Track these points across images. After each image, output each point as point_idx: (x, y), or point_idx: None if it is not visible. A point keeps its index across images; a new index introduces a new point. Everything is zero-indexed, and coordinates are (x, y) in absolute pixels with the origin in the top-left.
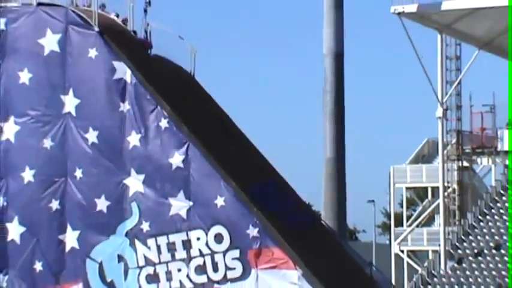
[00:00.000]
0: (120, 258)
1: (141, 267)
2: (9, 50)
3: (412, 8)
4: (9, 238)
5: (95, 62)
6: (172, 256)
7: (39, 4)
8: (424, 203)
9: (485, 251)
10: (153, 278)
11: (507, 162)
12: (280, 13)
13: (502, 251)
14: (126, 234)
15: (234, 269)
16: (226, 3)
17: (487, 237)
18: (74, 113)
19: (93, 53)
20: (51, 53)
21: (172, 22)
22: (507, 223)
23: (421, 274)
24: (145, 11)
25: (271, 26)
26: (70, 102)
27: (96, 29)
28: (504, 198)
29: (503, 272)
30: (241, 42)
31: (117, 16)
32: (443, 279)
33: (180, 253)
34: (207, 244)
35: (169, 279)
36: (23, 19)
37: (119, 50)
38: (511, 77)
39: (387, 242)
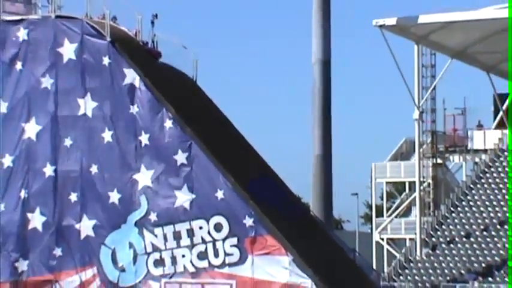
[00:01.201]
0: (131, 245)
1: (148, 253)
2: (31, 58)
3: (392, 21)
4: (30, 226)
5: (108, 68)
6: (177, 243)
7: (57, 17)
8: (402, 196)
9: (457, 239)
10: (159, 263)
11: (476, 159)
12: (276, 26)
13: (472, 239)
14: (136, 224)
15: (232, 254)
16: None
17: (458, 226)
18: (90, 115)
19: (106, 60)
20: (69, 61)
21: (177, 33)
22: (476, 214)
23: (399, 260)
24: (152, 23)
25: (267, 36)
26: (87, 105)
27: (109, 39)
28: (473, 191)
29: (473, 258)
30: (239, 51)
31: (136, 36)
32: (419, 264)
33: (184, 240)
34: (208, 232)
35: (174, 263)
36: (43, 30)
37: (129, 58)
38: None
39: (369, 230)
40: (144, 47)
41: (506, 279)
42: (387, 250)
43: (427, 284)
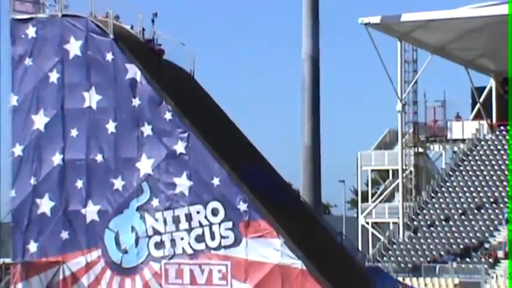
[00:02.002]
0: (133, 228)
1: (149, 236)
2: (39, 54)
3: (376, 19)
4: (39, 211)
5: (112, 64)
6: (176, 227)
7: (64, 15)
8: (386, 182)
9: (437, 223)
10: (160, 245)
11: (455, 148)
12: (269, 25)
13: (451, 223)
14: (138, 209)
15: (228, 237)
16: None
17: (438, 211)
18: (94, 107)
19: (109, 56)
20: (75, 57)
21: (176, 30)
22: (455, 199)
23: (383, 242)
24: (152, 21)
25: (260, 33)
26: (92, 98)
27: (112, 36)
28: (452, 178)
29: (452, 240)
30: (234, 48)
31: (132, 28)
32: (401, 246)
33: (183, 224)
34: (205, 217)
35: (173, 246)
36: (50, 28)
37: (130, 54)
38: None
39: (355, 215)
40: (149, 45)
41: (483, 259)
42: (372, 233)
43: (409, 265)
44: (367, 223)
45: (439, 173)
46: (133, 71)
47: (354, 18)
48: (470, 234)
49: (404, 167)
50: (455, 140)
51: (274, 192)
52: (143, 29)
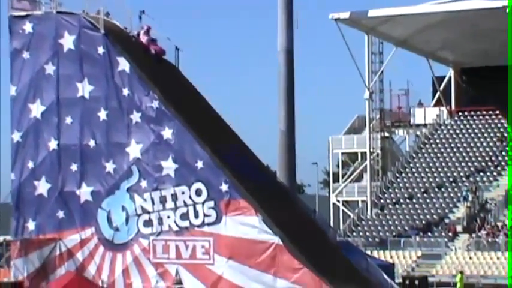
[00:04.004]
0: (123, 208)
1: (139, 215)
2: (35, 48)
3: (345, 15)
4: (37, 193)
5: (103, 57)
6: (163, 206)
7: (58, 12)
8: (355, 164)
9: (401, 201)
10: (148, 223)
11: (418, 133)
12: (247, 20)
13: (414, 200)
14: (128, 190)
15: (210, 216)
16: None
17: (402, 190)
18: (87, 97)
19: (101, 50)
20: (69, 50)
21: (162, 26)
22: (417, 179)
23: (353, 218)
24: (140, 17)
25: (239, 29)
26: (85, 88)
27: (102, 31)
28: (415, 160)
29: (415, 216)
30: (216, 42)
31: (126, 29)
32: (369, 222)
33: (169, 204)
34: (190, 197)
35: (160, 223)
36: (45, 24)
37: (120, 47)
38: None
39: (327, 194)
40: (153, 44)
41: (443, 234)
42: (342, 210)
43: (376, 239)
44: (338, 201)
45: (403, 155)
46: (123, 63)
47: (324, 14)
48: (432, 211)
49: (371, 150)
50: (418, 125)
51: (252, 173)
52: (148, 29)
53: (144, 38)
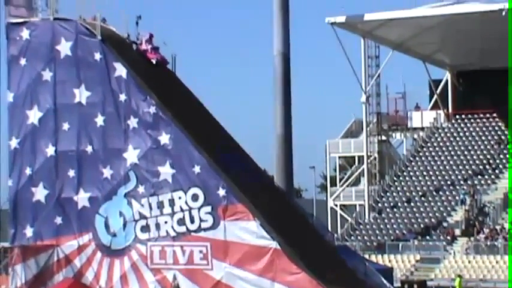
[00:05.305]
0: (121, 213)
1: (136, 221)
2: (32, 54)
3: (342, 19)
4: (34, 199)
5: (100, 63)
6: (161, 212)
7: (55, 19)
8: (353, 168)
9: (399, 204)
10: (145, 229)
11: (415, 136)
12: (243, 23)
13: (412, 204)
14: (125, 195)
15: (207, 221)
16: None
17: (400, 193)
18: (84, 103)
19: (98, 56)
20: (65, 57)
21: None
22: (415, 182)
23: (351, 222)
24: (137, 23)
25: (235, 32)
26: (82, 94)
27: (99, 37)
28: (413, 163)
29: (413, 220)
30: (213, 46)
31: (128, 35)
32: (367, 226)
33: (167, 209)
34: (186, 202)
35: (157, 229)
36: (42, 30)
37: (117, 53)
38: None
39: (324, 198)
40: (155, 52)
41: (441, 237)
42: (340, 215)
43: (374, 243)
44: (336, 205)
45: (400, 158)
46: (120, 69)
47: (321, 17)
48: (430, 214)
49: (369, 154)
50: (415, 129)
51: (250, 177)
52: (150, 37)
53: (146, 46)
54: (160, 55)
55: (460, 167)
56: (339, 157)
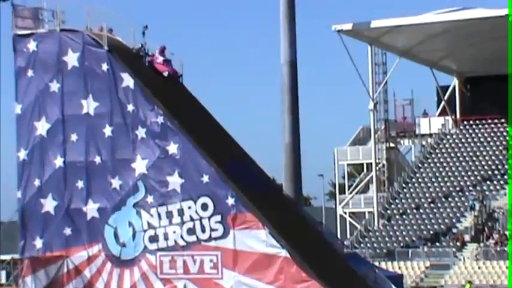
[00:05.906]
0: (130, 224)
1: (145, 230)
2: (39, 66)
3: (348, 26)
4: (44, 210)
5: (107, 73)
6: (170, 221)
7: (62, 30)
8: (361, 175)
9: (408, 211)
10: (154, 239)
11: (423, 142)
12: (250, 32)
13: (421, 211)
14: (134, 206)
15: (217, 230)
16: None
17: (409, 200)
18: (92, 114)
19: (105, 66)
20: (73, 68)
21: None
22: (424, 189)
23: (360, 230)
24: (143, 33)
25: (241, 40)
26: (89, 105)
27: (106, 48)
28: (421, 170)
29: (422, 227)
30: (220, 55)
31: (141, 46)
32: (377, 233)
33: (176, 219)
34: (196, 212)
35: (166, 239)
36: (49, 42)
37: (124, 63)
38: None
39: (333, 206)
40: (167, 65)
41: (451, 243)
42: (349, 222)
43: (384, 250)
44: (345, 213)
45: (409, 165)
46: (127, 79)
47: (327, 25)
48: (439, 221)
49: (377, 161)
50: (423, 135)
51: (258, 185)
52: (163, 49)
53: (159, 59)
54: (172, 68)
55: (469, 173)
56: (347, 164)
